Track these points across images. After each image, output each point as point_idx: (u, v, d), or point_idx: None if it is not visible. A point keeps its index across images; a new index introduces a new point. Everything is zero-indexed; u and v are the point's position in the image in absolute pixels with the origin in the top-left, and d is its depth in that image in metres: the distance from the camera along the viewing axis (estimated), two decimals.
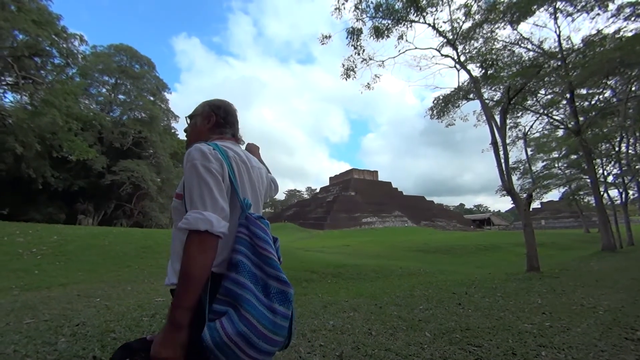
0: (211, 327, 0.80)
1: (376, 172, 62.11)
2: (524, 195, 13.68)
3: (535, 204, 49.30)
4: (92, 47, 28.58)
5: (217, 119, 1.17)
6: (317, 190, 68.88)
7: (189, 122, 1.22)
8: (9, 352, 2.88)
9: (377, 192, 54.00)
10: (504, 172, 8.92)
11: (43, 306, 4.52)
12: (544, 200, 39.07)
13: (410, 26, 10.88)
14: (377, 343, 3.14)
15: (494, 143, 9.23)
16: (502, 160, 9.04)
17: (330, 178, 63.52)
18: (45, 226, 13.28)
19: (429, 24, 10.56)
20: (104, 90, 30.67)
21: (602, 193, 17.08)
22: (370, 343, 3.14)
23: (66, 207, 26.90)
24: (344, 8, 10.36)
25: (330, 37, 11.10)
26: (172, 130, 36.06)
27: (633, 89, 15.88)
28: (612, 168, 20.86)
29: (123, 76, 30.47)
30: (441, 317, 4.03)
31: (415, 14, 10.32)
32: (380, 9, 10.26)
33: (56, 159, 21.47)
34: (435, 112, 13.70)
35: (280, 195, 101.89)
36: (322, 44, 11.12)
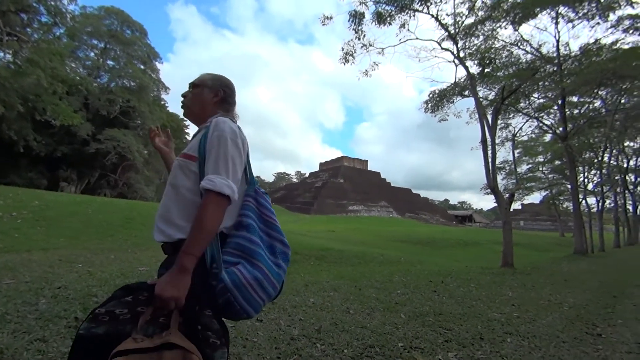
0: (230, 272, 0.95)
1: (366, 161, 62.45)
2: (507, 195, 14.08)
3: (516, 205, 50.82)
4: (81, 7, 27.27)
5: (224, 95, 1.23)
6: (307, 175, 68.93)
7: (191, 89, 1.23)
8: None
9: (366, 182, 54.47)
10: (490, 171, 9.15)
11: (23, 268, 4.49)
12: (525, 202, 40.28)
13: (414, 15, 10.78)
14: (355, 321, 3.27)
15: (483, 141, 9.42)
16: (490, 159, 9.26)
17: (321, 164, 63.56)
18: (26, 190, 12.94)
19: (432, 15, 10.49)
20: (92, 54, 29.44)
21: (580, 200, 17.71)
22: (347, 320, 3.27)
23: (48, 173, 26.17)
24: None
25: (331, 18, 10.92)
26: (162, 102, 35.12)
27: (622, 101, 16.30)
28: (592, 177, 21.59)
29: (113, 41, 29.23)
30: (417, 301, 4.21)
31: (419, 3, 10.22)
32: None
33: (39, 122, 20.71)
34: (429, 105, 13.78)
35: (269, 177, 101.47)
36: (323, 24, 10.95)
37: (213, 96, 1.21)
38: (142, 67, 31.04)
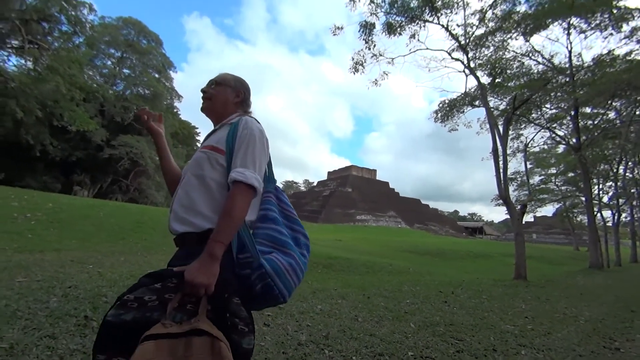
0: (269, 260, 1.01)
1: (375, 170, 62.19)
2: (519, 206, 13.82)
3: (529, 217, 49.80)
4: (100, 17, 28.25)
5: (244, 96, 1.29)
6: (315, 184, 68.97)
7: (213, 86, 1.26)
8: (0, 306, 2.92)
9: (374, 191, 54.16)
10: (502, 181, 9.01)
11: (36, 267, 4.56)
12: (538, 214, 39.43)
13: (424, 26, 10.86)
14: (363, 328, 3.21)
15: (494, 151, 9.30)
16: (501, 169, 9.12)
17: (329, 172, 63.54)
18: (40, 193, 13.25)
19: (443, 26, 10.55)
20: (109, 62, 30.38)
21: (595, 213, 17.26)
22: (356, 328, 3.22)
23: (62, 177, 26.80)
24: (359, 0, 10.30)
25: (342, 28, 11.08)
26: (175, 110, 35.86)
27: (637, 112, 15.97)
28: (607, 189, 21.06)
29: (129, 50, 30.14)
30: (427, 311, 4.12)
31: (429, 14, 10.29)
32: (395, 5, 10.23)
33: (56, 127, 21.32)
34: (439, 115, 13.74)
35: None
36: (334, 34, 11.10)
37: (235, 96, 1.27)
38: (156, 75, 31.85)
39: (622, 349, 3.06)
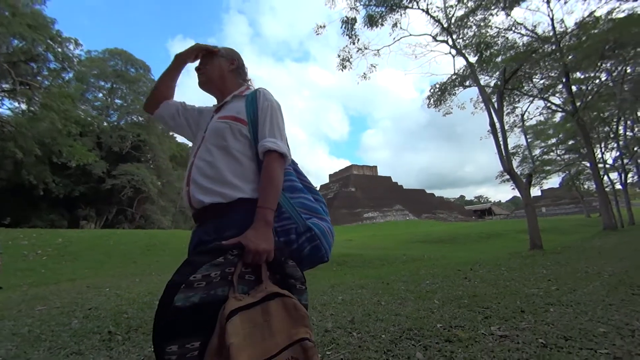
0: (314, 223, 1.05)
1: (375, 167, 62.08)
2: (525, 179, 13.74)
3: (536, 192, 49.50)
4: (86, 52, 28.59)
5: (239, 63, 1.30)
6: (318, 188, 68.79)
7: (204, 60, 1.27)
8: (23, 332, 2.91)
9: (377, 187, 54.04)
10: (504, 154, 8.97)
11: (53, 296, 4.56)
12: (544, 187, 39.11)
13: (404, 13, 10.91)
14: (387, 310, 3.18)
15: (492, 125, 9.29)
16: (501, 142, 9.09)
17: (330, 175, 63.47)
18: (48, 230, 13.34)
19: (423, 10, 10.59)
20: (100, 95, 30.64)
21: (602, 176, 17.12)
22: (380, 311, 3.19)
23: (68, 213, 26.90)
24: None
25: (324, 26, 11.14)
26: (170, 133, 36.00)
27: (628, 70, 15.92)
28: (611, 151, 20.92)
29: (119, 80, 30.41)
30: (448, 288, 4.08)
31: (408, 0, 10.34)
32: None
33: (56, 164, 21.47)
34: (432, 100, 13.73)
35: None
36: (317, 34, 11.17)
37: (229, 64, 1.27)
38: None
39: None
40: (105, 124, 28.15)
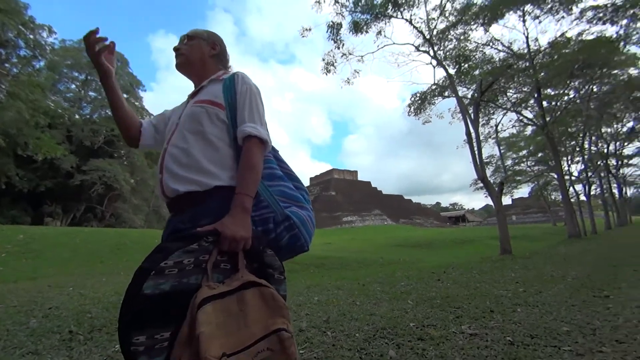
0: (293, 212, 1.02)
1: (356, 172, 62.68)
2: (497, 188, 14.30)
3: (507, 201, 51.62)
4: (61, 40, 27.20)
5: (220, 49, 1.24)
6: None
7: (186, 41, 1.20)
8: None
9: (357, 192, 54.55)
10: (478, 163, 9.31)
11: (11, 295, 4.26)
12: (515, 196, 40.93)
13: (389, 21, 11.16)
14: (362, 310, 3.20)
15: (467, 134, 9.62)
16: (476, 151, 9.43)
17: (311, 178, 63.47)
18: (9, 226, 12.49)
19: (407, 20, 10.88)
20: (73, 86, 29.18)
21: (568, 187, 18.11)
22: (355, 310, 3.20)
23: (31, 209, 25.35)
24: (324, 1, 10.48)
25: (310, 29, 11.21)
26: None
27: (594, 89, 17.01)
28: (576, 164, 22.21)
29: (94, 72, 29.05)
30: (422, 289, 4.16)
31: (393, 10, 10.59)
32: (359, 4, 10.46)
33: (21, 157, 20.21)
34: (412, 108, 14.08)
35: None
36: (303, 36, 11.23)
37: (211, 49, 1.20)
38: (125, 95, 30.76)
39: (611, 296, 3.20)
40: (77, 116, 26.83)
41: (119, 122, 1.22)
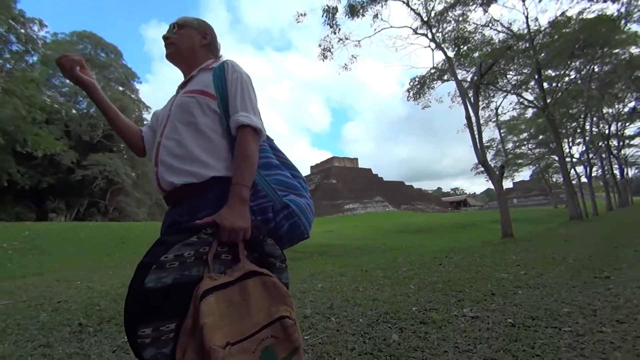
0: (291, 200, 1.02)
1: (356, 159, 62.59)
2: (497, 172, 14.28)
3: (508, 184, 51.61)
4: (52, 34, 26.74)
5: (211, 38, 1.22)
6: None
7: (175, 29, 1.17)
8: None
9: (358, 179, 54.59)
10: (478, 147, 9.26)
11: (20, 290, 4.33)
12: (516, 179, 40.94)
13: (385, 4, 10.93)
14: (365, 296, 3.25)
15: (468, 118, 9.55)
16: (477, 135, 9.37)
17: (312, 167, 63.45)
18: (14, 223, 12.61)
19: (403, 1, 10.64)
20: (68, 80, 28.91)
21: (569, 169, 18.08)
22: (358, 296, 3.25)
23: (35, 206, 25.52)
24: None
25: (305, 14, 10.98)
26: (145, 122, 34.70)
27: (596, 69, 16.75)
28: (578, 146, 22.11)
29: (88, 65, 28.64)
30: (424, 274, 4.21)
31: None
32: None
33: (21, 154, 20.20)
34: (412, 93, 13.93)
35: None
36: (298, 22, 11.02)
37: (201, 38, 1.18)
38: (120, 88, 30.63)
39: (612, 277, 3.23)
40: (74, 111, 26.67)
41: (120, 134, 1.24)
